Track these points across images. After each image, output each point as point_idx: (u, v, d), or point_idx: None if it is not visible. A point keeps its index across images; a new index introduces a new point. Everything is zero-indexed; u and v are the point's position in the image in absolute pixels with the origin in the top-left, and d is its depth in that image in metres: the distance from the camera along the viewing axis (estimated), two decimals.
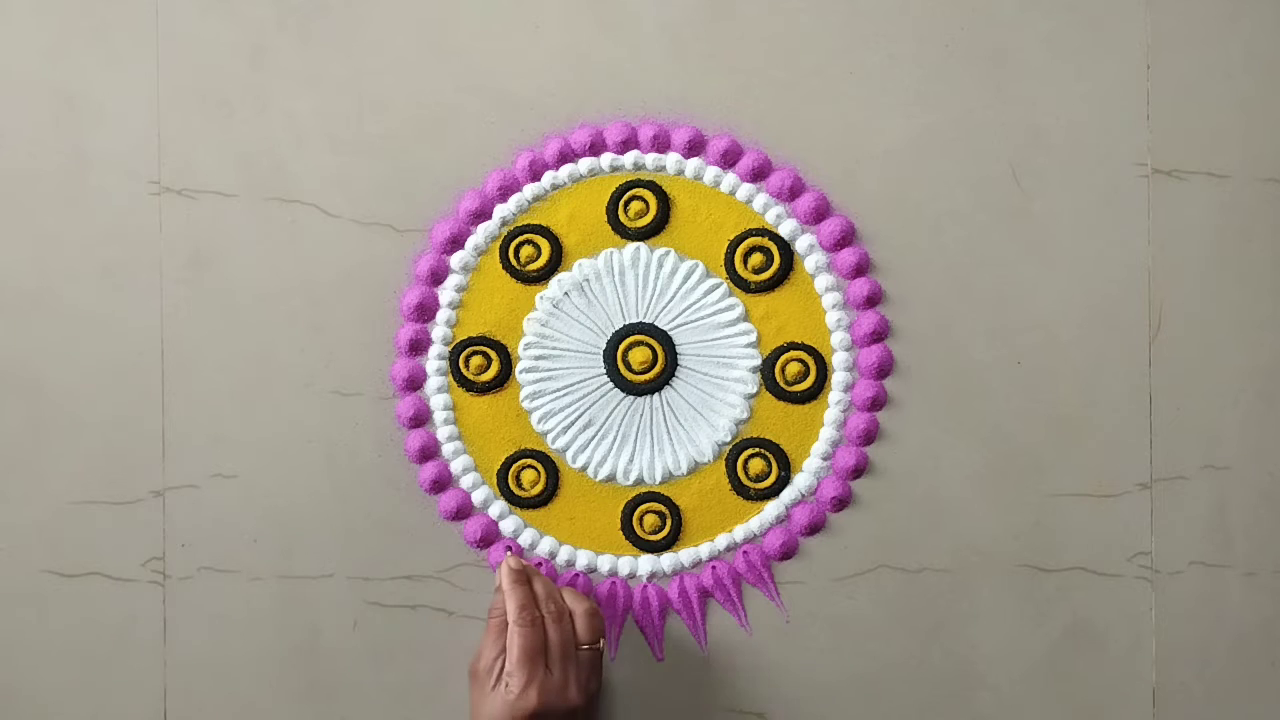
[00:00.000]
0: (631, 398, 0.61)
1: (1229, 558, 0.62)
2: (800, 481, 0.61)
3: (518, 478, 0.61)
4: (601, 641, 0.57)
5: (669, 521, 0.61)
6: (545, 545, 0.61)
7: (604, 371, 0.61)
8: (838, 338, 0.61)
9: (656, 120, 0.61)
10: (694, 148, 0.61)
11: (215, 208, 0.61)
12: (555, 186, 0.61)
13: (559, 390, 0.61)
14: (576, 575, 0.61)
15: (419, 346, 0.61)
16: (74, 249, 0.61)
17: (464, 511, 0.61)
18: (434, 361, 0.61)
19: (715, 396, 0.61)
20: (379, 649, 0.61)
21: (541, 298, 0.61)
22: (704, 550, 0.61)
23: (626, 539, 0.61)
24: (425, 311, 0.61)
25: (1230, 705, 0.62)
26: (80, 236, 0.61)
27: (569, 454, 0.61)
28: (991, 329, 0.62)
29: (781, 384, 0.61)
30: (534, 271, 0.61)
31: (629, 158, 0.61)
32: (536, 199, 0.61)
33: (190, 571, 0.61)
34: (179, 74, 0.61)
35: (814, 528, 0.61)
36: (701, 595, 0.61)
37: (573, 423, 0.61)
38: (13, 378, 0.61)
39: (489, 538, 0.61)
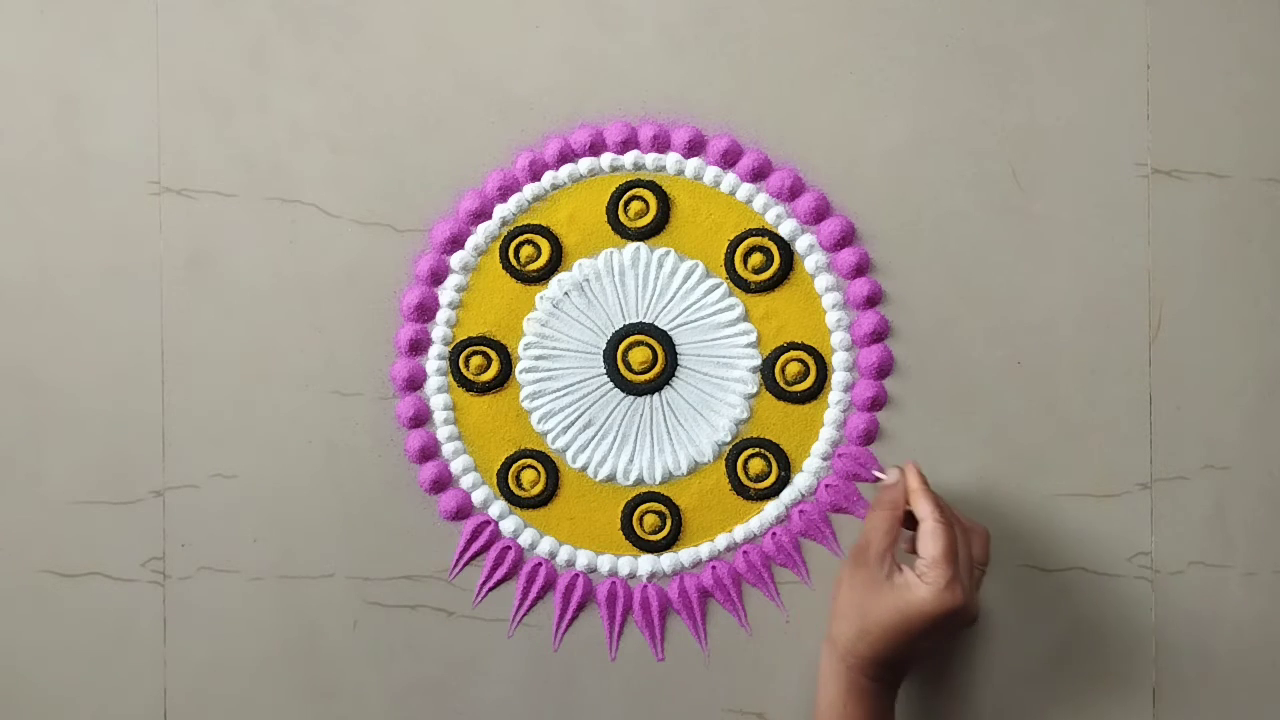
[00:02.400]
0: (631, 398, 0.61)
1: (1229, 558, 0.62)
2: (800, 481, 0.61)
3: (518, 478, 0.61)
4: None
5: (669, 521, 0.61)
6: (545, 545, 0.61)
7: (604, 371, 0.61)
8: (838, 338, 0.61)
9: (656, 120, 0.61)
10: (694, 148, 0.61)
11: (215, 208, 0.61)
12: (555, 186, 0.61)
13: (559, 390, 0.61)
14: (576, 575, 0.61)
15: (419, 346, 0.61)
16: (74, 249, 0.61)
17: (464, 511, 0.61)
18: (434, 361, 0.61)
19: (715, 396, 0.61)
20: (379, 649, 0.61)
21: (541, 298, 0.61)
22: (704, 550, 0.61)
23: (626, 539, 0.61)
24: (425, 311, 0.61)
25: (1230, 705, 0.62)
26: (80, 236, 0.61)
27: (569, 454, 0.61)
28: (991, 329, 0.62)
29: (781, 384, 0.61)
30: (534, 271, 0.61)
31: (629, 158, 0.61)
32: (536, 199, 0.61)
33: (190, 571, 0.61)
34: (179, 74, 0.61)
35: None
36: (701, 595, 0.61)
37: (573, 423, 0.61)
38: (13, 377, 0.61)
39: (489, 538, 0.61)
